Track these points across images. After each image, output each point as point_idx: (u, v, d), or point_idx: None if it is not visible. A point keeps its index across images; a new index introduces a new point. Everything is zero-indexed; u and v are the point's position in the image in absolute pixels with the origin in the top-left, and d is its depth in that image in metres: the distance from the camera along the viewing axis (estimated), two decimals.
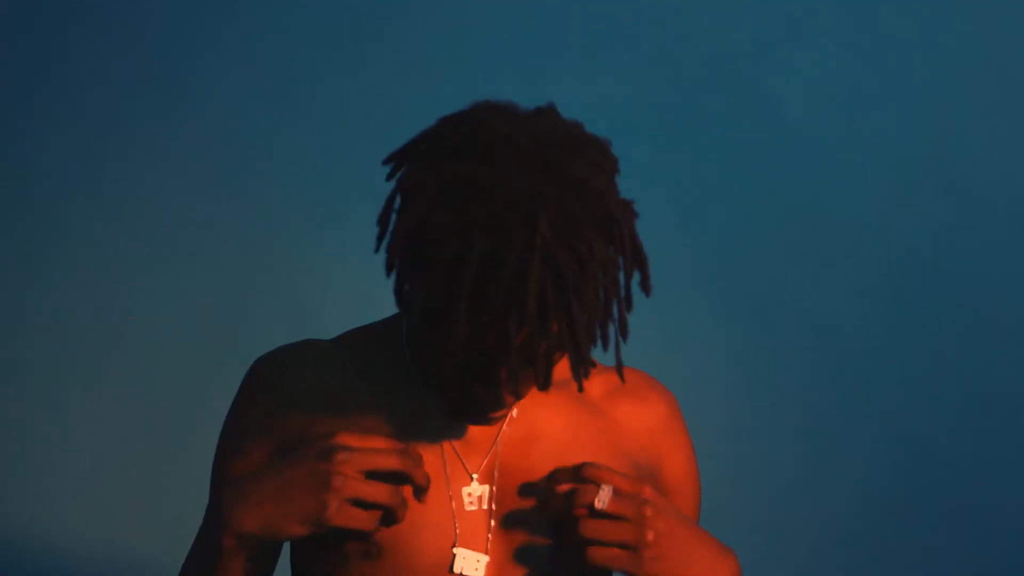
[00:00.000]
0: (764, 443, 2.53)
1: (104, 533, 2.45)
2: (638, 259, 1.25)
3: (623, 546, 1.26)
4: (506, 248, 1.12)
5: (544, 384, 1.19)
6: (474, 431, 1.34)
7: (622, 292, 1.22)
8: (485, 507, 1.32)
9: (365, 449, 1.23)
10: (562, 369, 1.37)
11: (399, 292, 1.21)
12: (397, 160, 1.23)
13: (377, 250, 1.22)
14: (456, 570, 1.30)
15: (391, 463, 1.24)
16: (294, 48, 2.53)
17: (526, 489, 1.32)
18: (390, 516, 1.24)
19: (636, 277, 1.26)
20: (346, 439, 1.23)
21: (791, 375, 2.54)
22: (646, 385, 1.44)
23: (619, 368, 1.23)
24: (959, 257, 2.56)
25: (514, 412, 1.35)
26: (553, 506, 1.28)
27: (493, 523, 1.32)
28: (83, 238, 2.49)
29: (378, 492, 1.23)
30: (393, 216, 1.21)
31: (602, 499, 1.25)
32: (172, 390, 2.48)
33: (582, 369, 1.19)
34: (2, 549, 2.45)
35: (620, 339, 1.22)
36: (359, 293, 1.41)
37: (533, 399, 1.35)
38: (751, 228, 2.56)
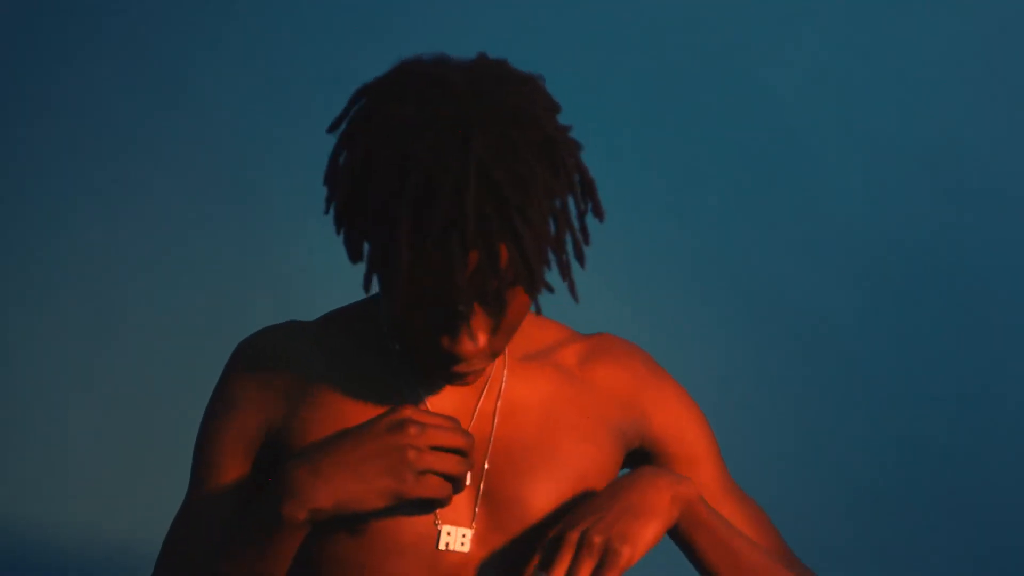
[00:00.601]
0: (758, 435, 2.53)
1: (100, 527, 2.46)
2: (586, 186, 1.26)
3: (605, 567, 1.25)
4: (442, 172, 1.14)
5: (500, 328, 1.21)
6: (458, 407, 1.33)
7: (574, 222, 1.24)
8: (469, 482, 1.31)
9: (434, 424, 1.24)
10: (541, 339, 1.40)
11: (350, 246, 1.23)
12: (338, 123, 1.25)
13: (326, 211, 1.25)
14: (441, 546, 1.30)
15: (457, 441, 1.24)
16: (292, 45, 2.53)
17: (511, 464, 1.32)
18: (457, 485, 1.25)
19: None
20: (413, 413, 1.24)
21: (786, 368, 2.55)
22: (617, 346, 1.43)
23: (572, 290, 1.24)
24: (954, 250, 2.56)
25: (503, 384, 1.34)
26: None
27: (478, 497, 1.32)
28: (78, 234, 2.50)
29: (449, 463, 1.23)
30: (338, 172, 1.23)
31: (543, 571, 1.25)
32: (167, 384, 2.48)
33: (532, 293, 1.19)
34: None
35: (577, 263, 1.23)
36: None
37: (514, 374, 1.36)
38: (746, 222, 2.56)
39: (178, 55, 2.52)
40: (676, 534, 1.31)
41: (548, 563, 1.25)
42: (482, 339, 1.22)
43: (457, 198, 1.14)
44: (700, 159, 2.54)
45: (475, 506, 1.32)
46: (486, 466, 1.32)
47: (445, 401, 1.34)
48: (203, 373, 2.43)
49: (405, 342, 1.26)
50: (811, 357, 2.55)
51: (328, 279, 2.48)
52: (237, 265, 2.51)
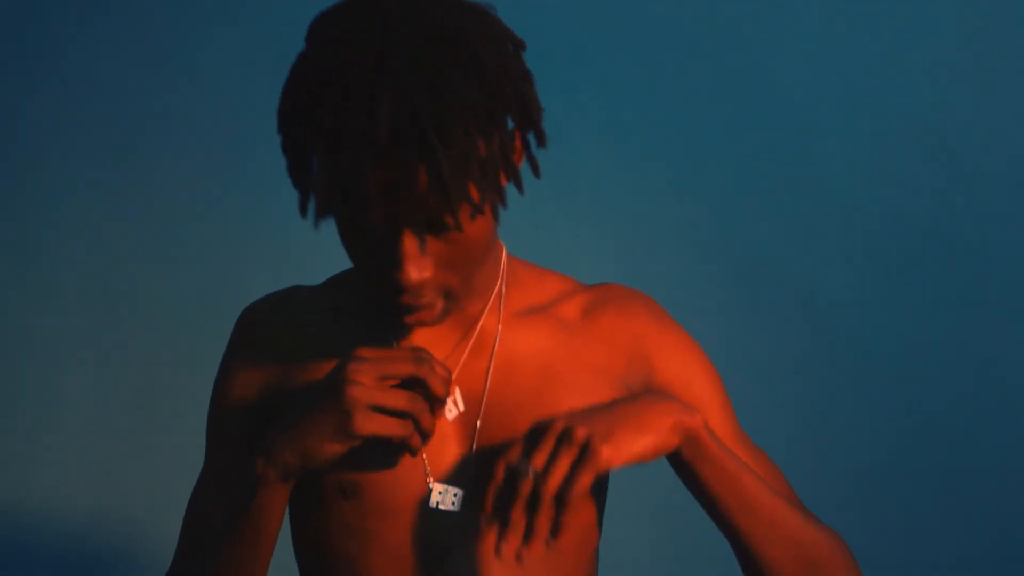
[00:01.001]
0: (757, 413, 2.45)
1: (98, 501, 2.47)
2: (525, 111, 1.21)
3: (578, 469, 1.20)
4: (357, 88, 1.12)
5: (451, 262, 1.19)
6: (451, 365, 1.32)
7: (508, 146, 1.19)
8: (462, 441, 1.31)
9: (378, 357, 1.21)
10: (542, 293, 1.38)
11: (293, 175, 1.22)
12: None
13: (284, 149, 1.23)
14: (432, 503, 1.29)
15: (405, 368, 1.21)
16: (296, 22, 2.53)
17: (505, 422, 1.30)
18: (417, 425, 1.22)
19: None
20: (361, 351, 1.21)
21: (786, 346, 2.54)
22: (624, 295, 1.40)
23: (492, 210, 1.20)
24: (955, 228, 2.56)
25: (497, 340, 1.32)
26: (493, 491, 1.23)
27: (472, 456, 1.31)
28: (79, 215, 2.50)
29: (397, 398, 1.20)
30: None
31: (524, 468, 1.20)
32: (169, 363, 2.48)
33: (451, 214, 1.15)
34: None
35: (515, 189, 1.20)
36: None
37: (510, 329, 1.34)
38: (747, 200, 2.55)
39: (181, 33, 2.52)
40: (680, 465, 1.27)
41: (530, 450, 1.21)
42: (427, 270, 1.19)
43: (370, 114, 1.11)
44: (701, 137, 2.53)
45: (467, 465, 1.31)
46: (478, 425, 1.31)
47: (439, 358, 1.32)
48: (204, 353, 2.41)
49: (365, 285, 1.24)
50: (811, 335, 2.55)
51: (330, 258, 2.48)
52: (239, 245, 2.51)
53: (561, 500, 1.19)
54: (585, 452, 1.19)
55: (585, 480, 1.18)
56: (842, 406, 2.54)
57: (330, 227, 2.50)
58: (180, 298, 2.49)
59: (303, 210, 1.19)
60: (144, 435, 2.47)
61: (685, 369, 1.39)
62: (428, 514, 1.30)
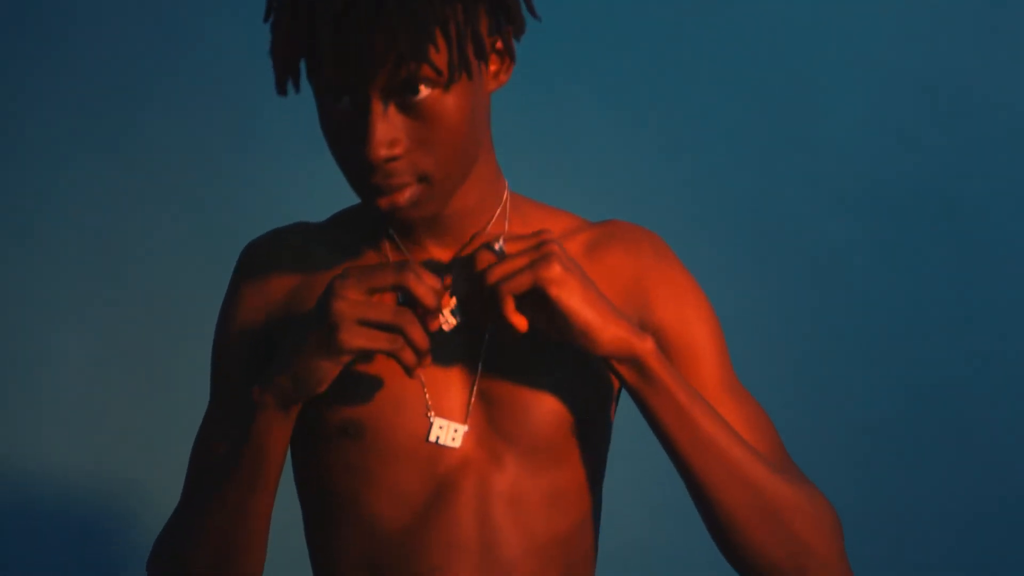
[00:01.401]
0: (760, 366, 2.53)
1: (97, 459, 2.46)
2: None
3: (529, 267, 1.19)
4: None
5: (427, 140, 1.17)
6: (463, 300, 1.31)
7: (471, 14, 1.17)
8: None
9: (362, 271, 1.19)
10: (574, 224, 1.37)
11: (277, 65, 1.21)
12: None
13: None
14: (432, 438, 1.28)
15: (388, 278, 1.18)
16: None
17: (506, 363, 1.30)
18: (409, 340, 1.19)
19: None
20: (349, 268, 1.20)
21: (787, 295, 2.54)
22: (630, 232, 1.38)
23: (454, 75, 1.17)
24: (955, 177, 2.56)
25: (499, 245, 1.27)
26: (465, 280, 1.23)
27: (474, 392, 1.30)
28: (79, 166, 2.48)
29: (382, 311, 1.17)
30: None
31: (497, 245, 1.21)
32: (167, 315, 2.48)
33: (410, 75, 1.15)
34: None
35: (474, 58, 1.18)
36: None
37: None
38: (747, 151, 2.55)
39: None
40: (631, 392, 1.25)
41: (500, 253, 1.21)
42: (396, 147, 1.17)
43: None
44: (701, 89, 2.54)
45: (468, 403, 1.30)
46: (480, 366, 1.30)
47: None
48: (203, 310, 2.43)
49: (344, 172, 1.23)
50: (812, 285, 2.55)
51: (330, 208, 2.48)
52: (237, 197, 2.50)
53: (495, 290, 1.19)
54: (539, 264, 1.19)
55: (521, 280, 1.19)
56: (843, 354, 2.54)
57: (328, 183, 2.46)
58: (179, 255, 2.48)
59: (279, 86, 1.20)
60: (142, 393, 2.47)
61: (683, 311, 1.36)
62: (431, 453, 1.29)
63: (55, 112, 2.48)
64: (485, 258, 1.21)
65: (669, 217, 2.52)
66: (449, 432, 1.28)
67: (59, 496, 2.44)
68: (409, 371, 1.19)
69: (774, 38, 2.56)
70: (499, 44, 1.23)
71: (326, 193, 2.48)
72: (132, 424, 2.46)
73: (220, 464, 1.28)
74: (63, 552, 2.43)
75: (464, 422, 1.29)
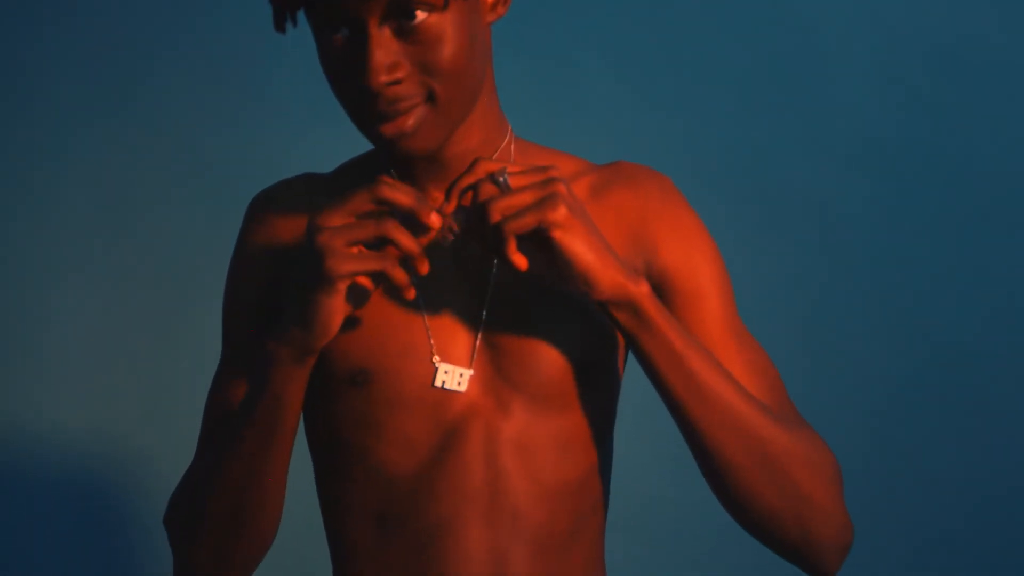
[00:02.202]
0: (769, 330, 2.52)
1: (96, 423, 2.47)
2: None
3: (535, 207, 1.17)
4: None
5: (429, 64, 1.18)
6: (457, 253, 1.31)
7: None
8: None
9: (338, 199, 1.18)
10: (579, 166, 1.37)
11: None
12: None
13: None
14: (438, 383, 1.28)
15: (362, 198, 1.17)
16: None
17: (511, 309, 1.30)
18: (399, 246, 1.18)
19: None
20: (323, 213, 1.18)
21: (796, 261, 2.56)
22: (636, 172, 1.37)
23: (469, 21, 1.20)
24: (963, 135, 2.57)
25: (503, 178, 1.25)
26: (455, 206, 1.21)
27: (479, 339, 1.30)
28: (83, 134, 2.49)
29: (363, 228, 1.16)
30: None
31: (500, 177, 1.18)
32: (172, 282, 2.50)
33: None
34: None
35: None
36: None
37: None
38: (756, 115, 2.55)
39: None
40: (625, 335, 1.24)
41: (505, 184, 1.20)
42: (397, 71, 1.18)
43: None
44: (710, 54, 2.54)
45: (473, 349, 1.30)
46: (484, 312, 1.30)
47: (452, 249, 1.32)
48: (205, 273, 2.43)
49: (347, 109, 1.23)
50: (821, 248, 2.56)
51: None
52: (243, 158, 2.51)
53: (497, 228, 1.17)
54: (545, 204, 1.17)
55: (525, 221, 1.17)
56: (853, 324, 2.56)
57: (333, 150, 2.46)
58: (181, 223, 2.50)
59: (277, 22, 1.22)
60: (143, 358, 2.48)
61: (688, 251, 1.35)
62: (437, 400, 1.29)
63: (59, 75, 2.49)
64: (487, 189, 1.19)
65: (676, 179, 2.51)
66: (455, 377, 1.28)
67: (62, 459, 2.46)
68: (403, 288, 1.19)
69: (784, 4, 2.57)
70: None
71: (331, 152, 2.46)
72: (137, 387, 2.47)
73: (236, 418, 1.27)
74: (65, 518, 2.44)
75: (470, 367, 1.29)
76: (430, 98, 1.20)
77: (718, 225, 2.50)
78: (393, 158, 1.24)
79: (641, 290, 1.21)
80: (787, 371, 2.51)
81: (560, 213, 1.16)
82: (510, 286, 1.31)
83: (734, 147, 2.55)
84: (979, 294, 2.58)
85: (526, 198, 1.17)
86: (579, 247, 1.18)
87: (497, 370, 1.29)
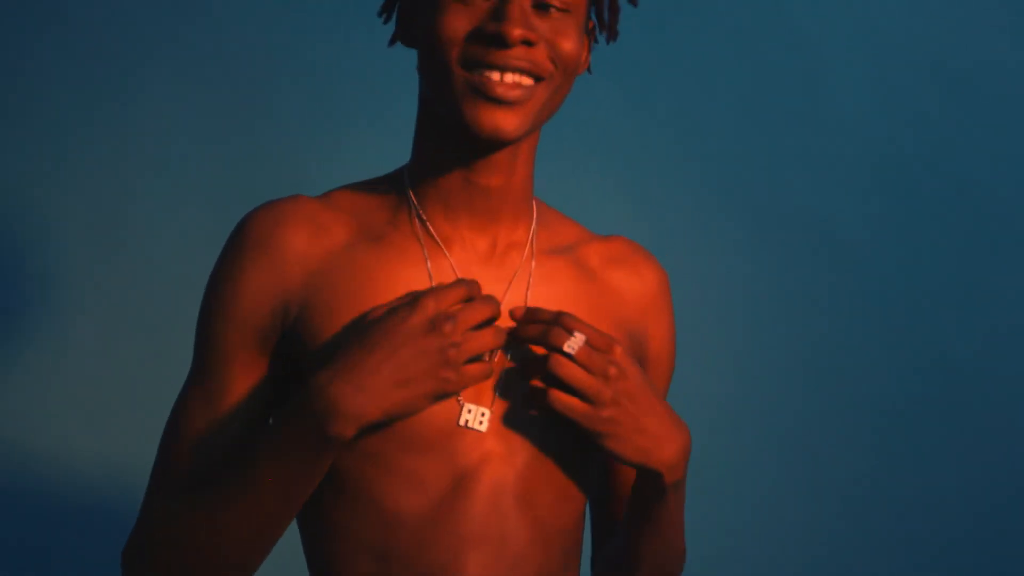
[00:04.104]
0: (768, 345, 2.53)
1: (102, 442, 2.43)
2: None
3: (583, 397, 1.25)
4: None
5: (550, 43, 1.25)
6: (484, 282, 1.32)
7: None
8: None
9: (464, 308, 1.23)
10: (565, 235, 1.41)
11: None
12: None
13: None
14: (461, 422, 1.28)
15: (487, 311, 1.24)
16: None
17: (530, 353, 1.31)
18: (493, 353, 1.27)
19: None
20: (437, 302, 1.22)
21: (795, 275, 2.55)
22: (640, 256, 1.45)
23: (612, 31, 1.33)
24: (964, 153, 2.56)
25: (532, 275, 1.32)
26: (527, 332, 1.28)
27: (499, 383, 1.31)
28: (83, 145, 2.44)
29: (486, 340, 1.24)
30: None
31: (572, 345, 1.25)
32: (171, 296, 2.44)
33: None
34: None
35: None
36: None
37: (541, 266, 1.36)
38: (754, 129, 2.54)
39: None
40: (639, 486, 1.34)
41: (589, 341, 1.26)
42: (532, 30, 1.23)
43: None
44: (708, 66, 2.52)
45: (494, 388, 1.30)
46: (508, 356, 1.31)
47: (479, 283, 1.32)
48: (201, 277, 2.40)
49: (446, 82, 1.25)
50: (820, 263, 2.55)
51: (333, 180, 2.44)
52: (247, 172, 2.46)
53: (547, 378, 1.25)
54: (600, 414, 1.25)
55: (575, 411, 1.25)
56: (856, 342, 2.55)
57: (335, 160, 2.41)
58: (184, 234, 2.45)
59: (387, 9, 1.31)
60: (149, 375, 2.43)
61: (664, 352, 1.47)
62: (455, 442, 1.28)
63: (58, 88, 2.44)
64: (559, 336, 1.25)
65: (678, 198, 2.51)
66: (477, 416, 1.28)
67: (64, 478, 2.42)
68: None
69: (782, 14, 2.54)
70: (591, 24, 1.34)
71: (335, 164, 2.46)
72: (137, 404, 2.42)
73: (242, 473, 1.24)
74: (68, 533, 2.43)
75: (489, 406, 1.30)
76: (539, 79, 1.25)
77: (717, 239, 2.50)
78: (465, 144, 1.28)
79: (674, 468, 1.31)
80: (787, 385, 2.51)
81: (598, 425, 1.25)
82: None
83: (733, 162, 2.53)
84: (981, 310, 2.57)
85: (580, 381, 1.24)
86: (618, 449, 1.27)
87: (511, 416, 1.30)
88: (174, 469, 1.30)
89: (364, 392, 1.19)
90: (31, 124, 2.43)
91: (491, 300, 1.24)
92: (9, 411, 2.39)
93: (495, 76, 1.23)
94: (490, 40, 1.22)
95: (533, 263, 1.35)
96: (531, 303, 1.33)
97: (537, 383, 1.26)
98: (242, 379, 1.29)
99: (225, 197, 2.45)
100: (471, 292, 1.24)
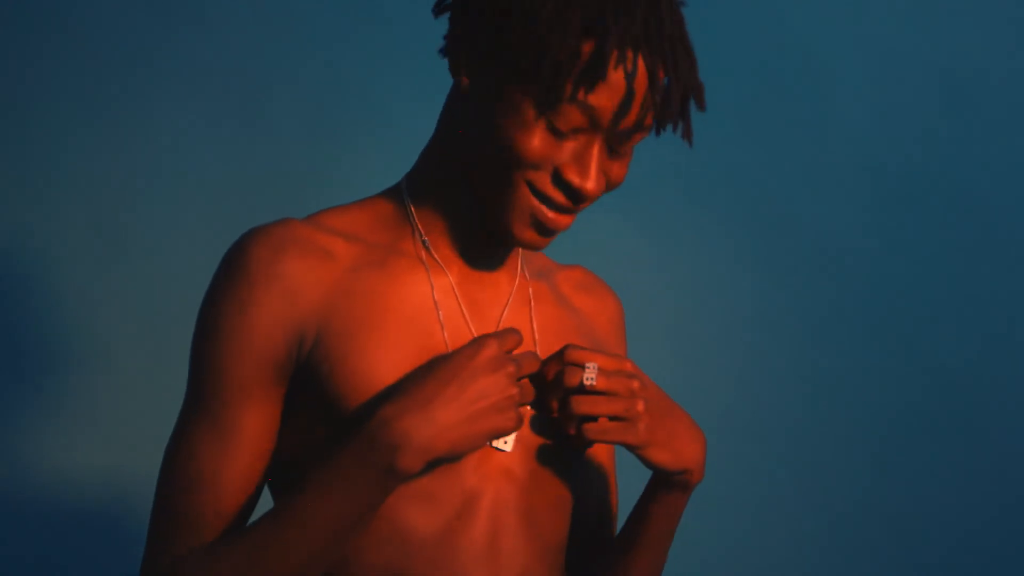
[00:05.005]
0: (770, 359, 2.53)
1: (110, 458, 2.42)
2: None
3: (616, 418, 1.27)
4: None
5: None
6: (485, 313, 1.33)
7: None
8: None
9: (519, 357, 1.26)
10: (539, 262, 1.43)
11: (471, 65, 1.25)
12: None
13: (438, 13, 1.29)
14: (495, 444, 1.31)
15: (535, 365, 1.27)
16: None
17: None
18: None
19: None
20: (502, 344, 1.24)
21: (797, 289, 2.54)
22: (602, 285, 1.49)
23: (688, 134, 1.38)
24: (967, 169, 2.55)
25: (532, 298, 1.36)
26: (546, 375, 1.29)
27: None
28: (83, 153, 2.44)
29: (530, 390, 1.27)
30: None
31: (589, 377, 1.26)
32: (174, 307, 2.42)
33: (668, 125, 1.32)
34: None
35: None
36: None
37: (534, 285, 1.38)
38: (756, 141, 2.54)
39: None
40: (657, 487, 1.36)
41: (607, 373, 1.27)
42: (602, 181, 1.26)
43: (654, 6, 1.24)
44: (710, 76, 2.50)
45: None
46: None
47: (478, 309, 1.33)
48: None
49: (503, 196, 1.25)
50: (821, 274, 2.54)
51: (339, 201, 2.45)
52: (246, 183, 2.46)
53: (573, 418, 1.27)
54: (628, 427, 1.27)
55: (608, 436, 1.27)
56: (852, 348, 2.54)
57: (336, 169, 2.42)
58: (186, 241, 2.44)
59: (479, 142, 1.25)
60: (151, 384, 2.41)
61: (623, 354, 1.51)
62: (474, 460, 1.29)
63: (58, 98, 2.44)
64: (574, 376, 1.27)
65: (677, 207, 2.51)
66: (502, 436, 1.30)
67: (65, 493, 2.41)
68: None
69: (783, 24, 2.54)
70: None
71: (337, 179, 2.46)
72: (143, 419, 2.41)
73: (283, 513, 1.22)
74: (68, 549, 2.43)
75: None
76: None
77: (716, 252, 2.49)
78: (495, 242, 1.33)
79: (702, 466, 1.35)
80: (787, 398, 2.51)
81: (642, 436, 1.27)
82: (545, 348, 1.35)
83: (734, 172, 2.54)
84: (981, 323, 2.56)
85: (610, 408, 1.26)
86: (660, 457, 1.30)
87: (532, 427, 1.32)
88: (185, 514, 1.25)
89: (434, 425, 1.19)
90: (30, 132, 2.43)
91: (536, 355, 1.27)
92: (9, 414, 2.41)
93: (558, 219, 1.26)
94: (567, 187, 1.24)
95: (531, 288, 1.37)
96: (537, 324, 1.35)
97: (570, 426, 1.28)
98: (256, 414, 1.26)
99: (226, 200, 2.44)
100: (520, 340, 1.27)
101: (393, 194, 1.35)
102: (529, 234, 1.27)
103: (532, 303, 1.36)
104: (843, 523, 2.51)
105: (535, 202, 1.24)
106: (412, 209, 1.32)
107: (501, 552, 1.29)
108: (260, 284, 1.26)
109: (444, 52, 1.28)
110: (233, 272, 1.27)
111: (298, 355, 1.26)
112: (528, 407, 1.30)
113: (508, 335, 1.25)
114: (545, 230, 1.26)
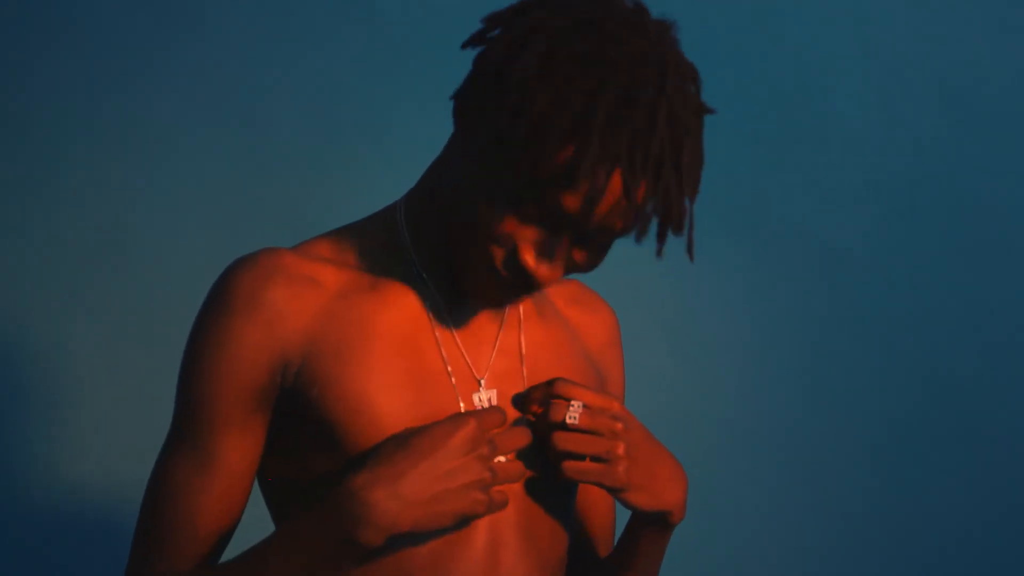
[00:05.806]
0: (769, 367, 2.53)
1: (113, 473, 2.41)
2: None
3: (596, 459, 1.27)
4: (641, 86, 1.19)
5: (573, 268, 1.25)
6: (479, 338, 1.33)
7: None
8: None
9: (503, 435, 1.26)
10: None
11: (482, 148, 1.21)
12: (495, 20, 1.24)
13: (465, 46, 1.25)
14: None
15: (521, 440, 1.27)
16: None
17: (524, 394, 1.33)
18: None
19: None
20: (481, 424, 1.23)
21: (797, 297, 2.55)
22: (594, 298, 1.49)
23: (690, 248, 1.32)
24: (969, 177, 2.56)
25: (522, 319, 1.36)
26: (530, 414, 1.30)
27: (512, 425, 1.31)
28: (82, 159, 2.42)
29: (514, 472, 1.27)
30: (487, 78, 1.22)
31: (572, 415, 1.27)
32: (170, 315, 2.43)
33: (683, 231, 1.29)
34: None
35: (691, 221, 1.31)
36: (365, 213, 1.42)
37: (525, 305, 1.38)
38: (757, 149, 2.54)
39: None
40: (637, 527, 1.37)
41: (589, 413, 1.27)
42: (559, 271, 1.23)
43: (649, 115, 1.19)
44: (710, 85, 2.50)
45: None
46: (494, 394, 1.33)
47: (470, 332, 1.33)
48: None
49: (468, 256, 1.24)
50: (820, 280, 2.55)
51: (338, 207, 2.43)
52: (244, 191, 2.45)
53: (556, 454, 1.27)
54: (608, 470, 1.28)
55: (588, 476, 1.27)
56: (852, 356, 2.55)
57: (336, 178, 2.40)
58: (187, 245, 2.43)
59: (465, 205, 1.23)
60: (152, 388, 2.37)
61: (620, 387, 1.50)
62: None
63: (59, 101, 2.43)
64: (558, 411, 1.27)
65: None
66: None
67: (65, 500, 2.41)
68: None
69: (783, 32, 2.55)
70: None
71: (337, 181, 2.45)
72: (143, 421, 2.43)
73: (248, 566, 1.23)
74: (68, 555, 2.42)
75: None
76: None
77: (717, 262, 2.50)
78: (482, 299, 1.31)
79: (682, 507, 1.35)
80: (788, 406, 2.51)
81: (620, 479, 1.27)
82: (537, 375, 1.34)
83: (733, 180, 2.54)
84: (981, 328, 2.56)
85: (590, 447, 1.26)
86: (638, 500, 1.30)
87: (520, 456, 1.31)
88: (162, 540, 1.28)
89: (400, 501, 1.19)
90: (30, 133, 2.42)
91: (524, 431, 1.26)
92: (11, 413, 2.40)
93: (516, 293, 1.26)
94: (519, 270, 1.22)
95: (522, 307, 1.36)
96: (525, 342, 1.35)
97: (553, 459, 1.28)
98: (236, 442, 1.26)
99: (227, 205, 2.43)
100: (504, 420, 1.26)
101: (389, 215, 1.34)
102: (488, 297, 1.27)
103: (522, 322, 1.36)
104: (843, 527, 2.51)
105: (494, 273, 1.23)
106: (406, 232, 1.32)
107: (500, 568, 1.29)
108: (241, 313, 1.25)
109: (454, 96, 1.26)
110: (216, 303, 1.27)
111: (282, 381, 1.26)
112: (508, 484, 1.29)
113: (489, 415, 1.24)
114: (501, 301, 1.27)
